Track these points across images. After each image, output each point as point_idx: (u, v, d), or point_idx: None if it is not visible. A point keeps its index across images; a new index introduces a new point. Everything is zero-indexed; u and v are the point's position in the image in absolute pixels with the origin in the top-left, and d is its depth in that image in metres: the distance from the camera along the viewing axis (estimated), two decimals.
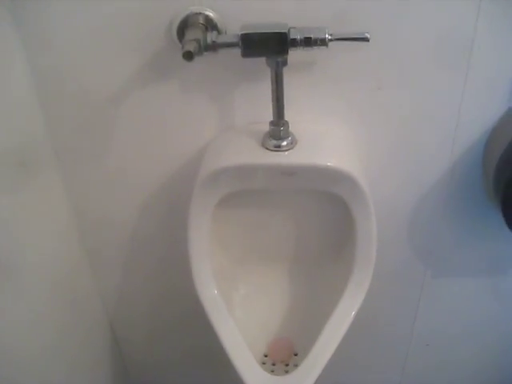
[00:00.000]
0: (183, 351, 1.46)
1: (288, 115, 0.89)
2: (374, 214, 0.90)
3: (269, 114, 0.88)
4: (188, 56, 0.74)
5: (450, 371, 1.48)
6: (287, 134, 0.89)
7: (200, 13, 0.84)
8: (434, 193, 1.07)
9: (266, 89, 0.87)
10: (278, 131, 0.88)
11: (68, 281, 1.13)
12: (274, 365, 0.98)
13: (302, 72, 0.90)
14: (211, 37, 0.80)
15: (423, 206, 1.09)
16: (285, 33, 0.78)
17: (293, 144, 0.89)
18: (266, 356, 0.99)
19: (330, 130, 0.97)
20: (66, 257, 1.13)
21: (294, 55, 0.82)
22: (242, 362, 0.88)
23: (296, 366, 0.92)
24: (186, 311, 1.27)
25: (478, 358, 1.43)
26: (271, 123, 0.89)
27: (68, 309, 1.13)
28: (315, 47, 0.80)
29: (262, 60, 0.83)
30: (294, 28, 0.79)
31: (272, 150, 0.89)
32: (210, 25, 0.84)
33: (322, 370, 0.86)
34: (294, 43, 0.79)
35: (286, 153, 0.88)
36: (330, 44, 0.80)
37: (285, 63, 0.83)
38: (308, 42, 0.79)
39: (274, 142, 0.89)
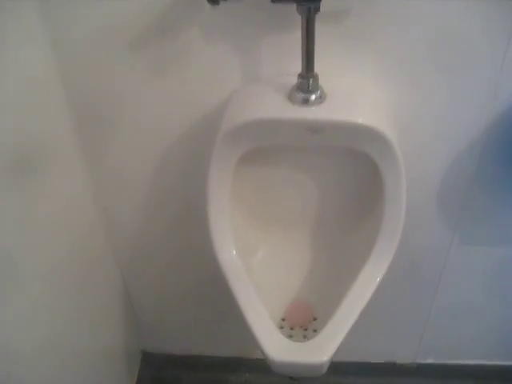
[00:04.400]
0: (198, 314, 1.47)
1: (318, 68, 0.85)
2: (405, 176, 0.88)
3: (297, 66, 0.85)
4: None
5: (468, 343, 1.48)
6: (316, 88, 0.86)
7: None
8: (466, 159, 1.05)
9: (295, 38, 0.84)
10: (306, 84, 0.85)
11: (83, 240, 1.15)
12: (292, 329, 0.97)
13: (335, 21, 0.87)
14: None
15: (454, 171, 1.07)
16: None
17: (322, 98, 0.86)
18: (283, 320, 0.99)
19: (362, 85, 0.94)
20: (81, 216, 1.14)
21: (328, 2, 0.78)
22: (261, 327, 0.87)
23: (315, 331, 0.93)
24: (203, 272, 1.28)
25: (497, 330, 1.43)
26: (299, 76, 0.85)
27: (83, 269, 1.15)
28: None
29: (292, 7, 0.79)
30: None
31: (299, 105, 0.86)
32: None
33: (343, 339, 0.85)
34: None
35: (314, 107, 0.86)
36: None
37: (317, 10, 0.78)
38: None
39: (302, 96, 0.85)
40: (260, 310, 0.88)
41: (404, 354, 1.54)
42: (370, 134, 0.84)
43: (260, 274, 1.00)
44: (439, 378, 1.54)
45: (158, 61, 0.94)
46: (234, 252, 0.94)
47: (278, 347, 0.85)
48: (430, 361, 1.54)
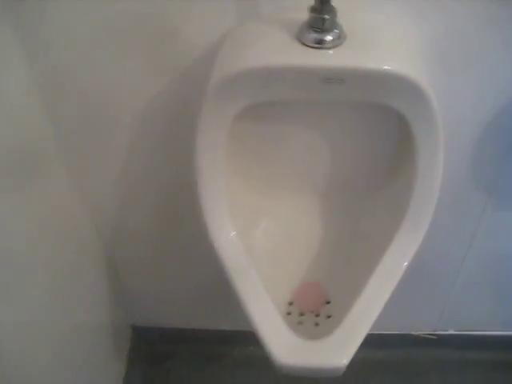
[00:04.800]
0: (195, 285, 1.43)
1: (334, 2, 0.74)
2: (443, 136, 0.78)
3: None
4: None
5: (489, 313, 1.47)
6: (333, 26, 0.74)
7: None
8: (507, 120, 0.98)
9: None
10: (320, 21, 0.73)
11: (61, 211, 1.12)
12: (301, 315, 0.92)
13: None
14: None
15: (492, 132, 1.00)
16: None
17: (340, 39, 0.75)
18: (291, 304, 0.94)
19: (391, 22, 0.83)
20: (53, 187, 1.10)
21: None
22: (266, 323, 0.81)
23: (329, 317, 0.89)
24: (197, 238, 1.15)
25: None
26: (312, 9, 0.74)
27: (62, 239, 1.12)
28: None
29: None
30: None
31: (312, 47, 0.75)
32: None
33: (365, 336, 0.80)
34: None
35: (331, 51, 0.75)
36: None
37: None
38: None
39: (315, 36, 0.74)
40: (264, 301, 0.83)
41: (424, 325, 1.55)
42: (401, 84, 0.74)
43: (263, 251, 0.95)
44: (459, 348, 1.55)
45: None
46: (232, 231, 0.88)
47: (286, 347, 0.78)
48: (450, 332, 1.55)
